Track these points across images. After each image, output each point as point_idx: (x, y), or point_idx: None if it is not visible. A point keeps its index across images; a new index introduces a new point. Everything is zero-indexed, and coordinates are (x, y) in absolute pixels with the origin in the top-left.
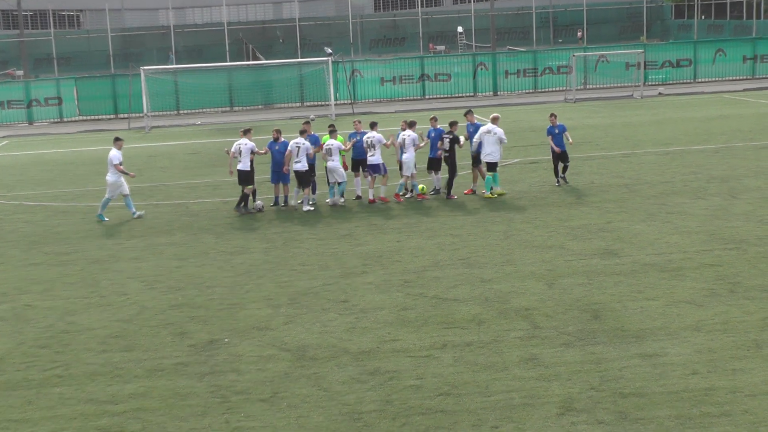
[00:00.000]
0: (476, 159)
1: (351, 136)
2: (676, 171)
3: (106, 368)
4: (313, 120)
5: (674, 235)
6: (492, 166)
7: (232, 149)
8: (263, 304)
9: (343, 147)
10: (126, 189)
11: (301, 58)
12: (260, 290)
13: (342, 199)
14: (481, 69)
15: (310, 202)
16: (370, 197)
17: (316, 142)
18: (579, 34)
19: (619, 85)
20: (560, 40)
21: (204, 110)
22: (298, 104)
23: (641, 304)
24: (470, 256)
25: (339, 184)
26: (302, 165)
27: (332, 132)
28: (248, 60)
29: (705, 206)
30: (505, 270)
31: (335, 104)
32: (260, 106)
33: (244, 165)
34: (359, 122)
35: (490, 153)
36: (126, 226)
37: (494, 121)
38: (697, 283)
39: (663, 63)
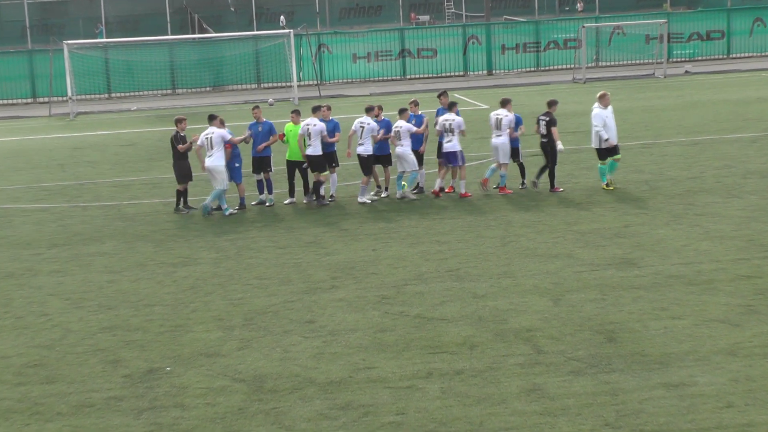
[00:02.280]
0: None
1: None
2: (706, 164)
3: (23, 404)
4: (271, 104)
5: (704, 241)
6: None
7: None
8: (213, 325)
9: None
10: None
11: (257, 30)
12: (209, 309)
13: (413, 195)
14: (473, 43)
15: (372, 193)
16: (435, 188)
17: (388, 127)
18: (579, 5)
19: (637, 62)
20: (567, 9)
21: (140, 93)
22: (253, 86)
23: (665, 323)
24: (460, 267)
25: (409, 173)
26: (365, 149)
27: (403, 112)
28: (194, 33)
29: (741, 206)
30: (502, 284)
31: (298, 85)
32: (208, 89)
33: (314, 150)
34: (381, 108)
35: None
36: (45, 231)
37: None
38: (732, 299)
39: (690, 35)
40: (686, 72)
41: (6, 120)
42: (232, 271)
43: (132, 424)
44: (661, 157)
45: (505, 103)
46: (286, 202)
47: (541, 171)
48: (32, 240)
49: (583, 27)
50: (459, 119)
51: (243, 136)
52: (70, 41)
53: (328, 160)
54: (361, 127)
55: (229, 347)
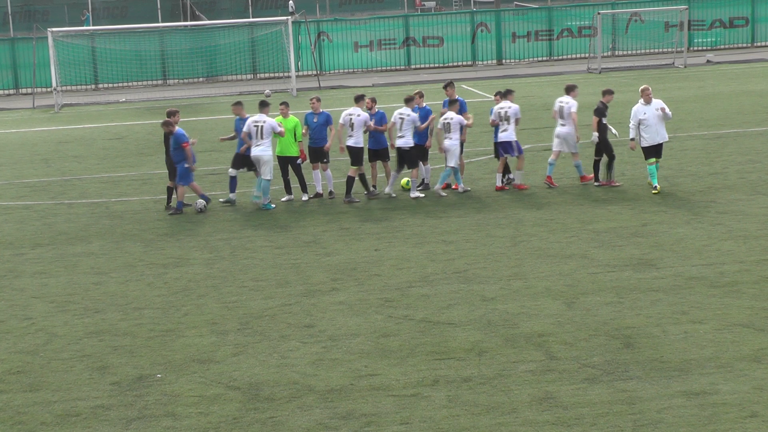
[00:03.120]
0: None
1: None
2: (728, 159)
3: (5, 413)
4: (268, 96)
5: (727, 240)
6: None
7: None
8: (206, 330)
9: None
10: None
11: (253, 17)
12: (202, 313)
13: (443, 192)
14: (482, 31)
15: (419, 188)
16: (498, 184)
17: (427, 116)
18: None
19: (656, 51)
20: None
21: (129, 84)
22: (249, 76)
23: (685, 328)
24: (468, 269)
25: (451, 168)
26: (406, 141)
27: (452, 103)
28: (185, 20)
29: (766, 204)
30: (512, 286)
31: (297, 76)
32: (201, 79)
33: (356, 141)
34: (374, 100)
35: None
36: (28, 230)
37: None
38: (757, 302)
39: (712, 23)
40: (708, 61)
41: None
42: (226, 273)
43: None
44: (681, 151)
45: (570, 90)
46: (283, 199)
47: (609, 167)
48: (14, 239)
49: (599, 14)
50: (515, 107)
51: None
52: (54, 29)
53: (382, 153)
54: (400, 118)
55: (223, 353)
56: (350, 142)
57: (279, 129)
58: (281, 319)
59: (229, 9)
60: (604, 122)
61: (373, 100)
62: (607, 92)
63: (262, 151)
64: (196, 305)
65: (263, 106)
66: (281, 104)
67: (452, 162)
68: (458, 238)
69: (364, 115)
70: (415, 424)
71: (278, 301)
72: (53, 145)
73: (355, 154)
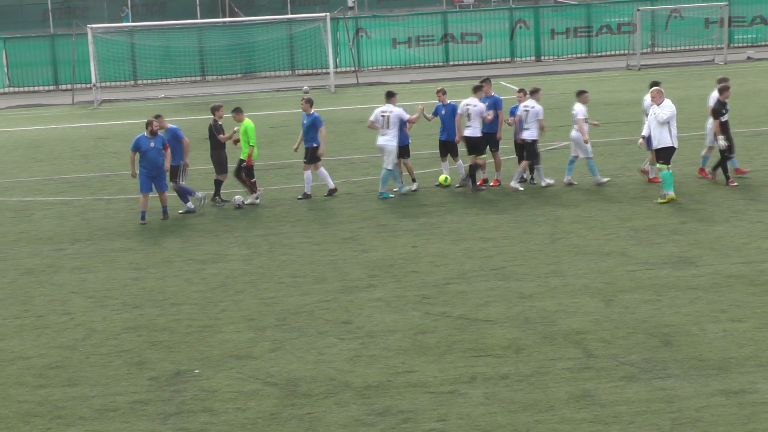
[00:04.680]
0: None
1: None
2: None
3: (44, 408)
4: (307, 92)
5: (767, 238)
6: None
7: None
8: (243, 326)
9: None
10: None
11: (291, 14)
12: (239, 309)
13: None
14: (520, 27)
15: (520, 180)
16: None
17: (496, 104)
18: None
19: (696, 47)
20: None
21: (168, 80)
22: (287, 73)
23: (724, 326)
24: (506, 266)
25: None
26: (473, 131)
27: (581, 94)
28: (224, 17)
29: None
30: (550, 283)
31: (335, 72)
32: (239, 75)
33: (473, 131)
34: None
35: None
36: (68, 226)
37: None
38: None
39: (753, 19)
40: (748, 58)
41: (27, 108)
42: (264, 269)
43: (158, 429)
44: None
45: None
46: (247, 201)
47: (722, 166)
48: (54, 235)
49: (638, 10)
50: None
51: (415, 116)
52: (94, 25)
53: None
54: (466, 108)
55: (260, 349)
56: (467, 132)
57: (406, 117)
58: (318, 315)
59: (267, 5)
60: (724, 120)
61: (443, 92)
62: (724, 88)
63: (387, 140)
64: (233, 301)
65: (390, 96)
66: (233, 111)
67: (583, 154)
68: (496, 235)
69: (480, 105)
70: (452, 421)
71: (316, 298)
72: (92, 141)
73: (473, 143)
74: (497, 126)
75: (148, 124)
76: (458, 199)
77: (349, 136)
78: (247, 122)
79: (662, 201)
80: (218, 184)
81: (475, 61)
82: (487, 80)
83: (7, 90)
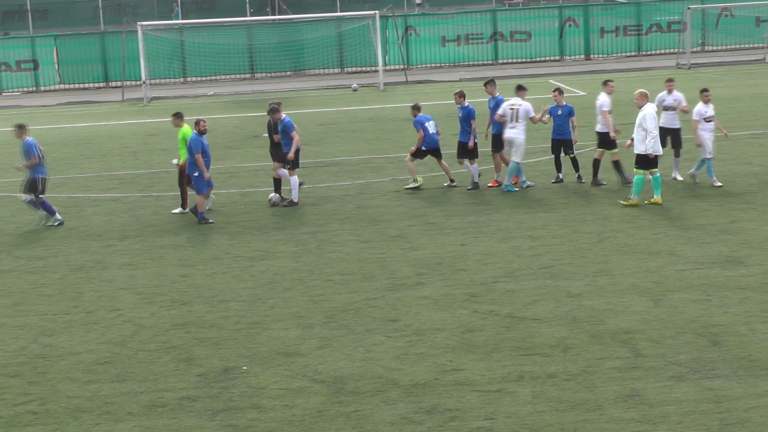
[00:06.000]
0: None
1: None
2: None
3: (93, 403)
4: (356, 90)
5: None
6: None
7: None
8: (291, 323)
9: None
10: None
11: (341, 12)
12: (287, 306)
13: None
14: (570, 26)
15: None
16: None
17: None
18: None
19: (746, 46)
20: None
21: (217, 78)
22: (336, 70)
23: None
24: (554, 264)
25: (706, 160)
26: (517, 132)
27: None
28: (273, 14)
29: None
30: (598, 282)
31: (384, 70)
32: (288, 73)
33: (518, 133)
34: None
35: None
36: (117, 222)
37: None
38: None
39: None
40: None
41: (77, 105)
42: (312, 266)
43: (206, 425)
44: None
45: (519, 89)
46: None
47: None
48: (103, 231)
49: (688, 9)
50: (527, 105)
51: (538, 116)
52: (144, 23)
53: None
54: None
55: (308, 346)
56: (510, 134)
57: (532, 114)
58: (366, 313)
59: (315, 3)
60: None
61: (461, 95)
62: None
63: (516, 133)
64: (281, 298)
65: (520, 89)
66: (173, 116)
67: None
68: (544, 233)
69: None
70: (500, 420)
71: (363, 295)
72: (142, 137)
73: (603, 139)
74: (501, 127)
75: (197, 123)
76: (507, 197)
77: (397, 134)
78: (186, 128)
79: (625, 204)
80: (278, 181)
81: (524, 60)
82: (491, 81)
83: (57, 87)
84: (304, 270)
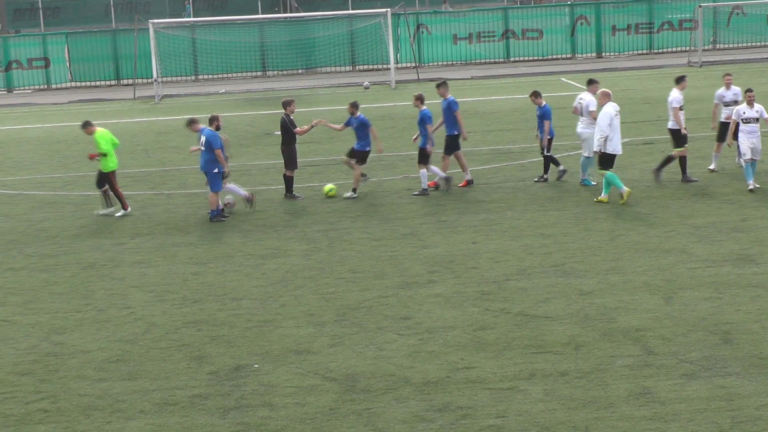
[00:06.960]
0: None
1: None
2: None
3: (105, 401)
4: (367, 88)
5: None
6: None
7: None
8: (303, 321)
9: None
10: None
11: (352, 9)
12: (299, 304)
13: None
14: (581, 24)
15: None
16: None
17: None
18: None
19: (758, 44)
20: None
21: (229, 75)
22: (347, 68)
23: None
24: (566, 262)
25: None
26: (584, 127)
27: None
28: (285, 12)
29: None
30: (610, 280)
31: (396, 68)
32: (300, 71)
33: (584, 127)
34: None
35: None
36: (128, 220)
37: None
38: None
39: None
40: None
41: (89, 103)
42: (323, 264)
43: (217, 423)
44: None
45: (591, 83)
46: (100, 212)
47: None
48: (114, 229)
49: (700, 7)
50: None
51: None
52: (155, 20)
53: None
54: (579, 103)
55: (320, 344)
56: (580, 128)
57: (591, 108)
58: (378, 310)
59: (327, 1)
60: None
61: (354, 106)
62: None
63: (583, 128)
64: (293, 296)
65: (590, 83)
66: (83, 126)
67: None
68: (556, 231)
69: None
70: (511, 418)
71: (375, 293)
72: (153, 135)
73: (675, 136)
74: (460, 127)
75: (213, 120)
76: (518, 195)
77: (409, 131)
78: (97, 132)
79: (598, 200)
80: (288, 180)
81: (535, 58)
82: (443, 83)
83: (69, 85)
84: (316, 268)
